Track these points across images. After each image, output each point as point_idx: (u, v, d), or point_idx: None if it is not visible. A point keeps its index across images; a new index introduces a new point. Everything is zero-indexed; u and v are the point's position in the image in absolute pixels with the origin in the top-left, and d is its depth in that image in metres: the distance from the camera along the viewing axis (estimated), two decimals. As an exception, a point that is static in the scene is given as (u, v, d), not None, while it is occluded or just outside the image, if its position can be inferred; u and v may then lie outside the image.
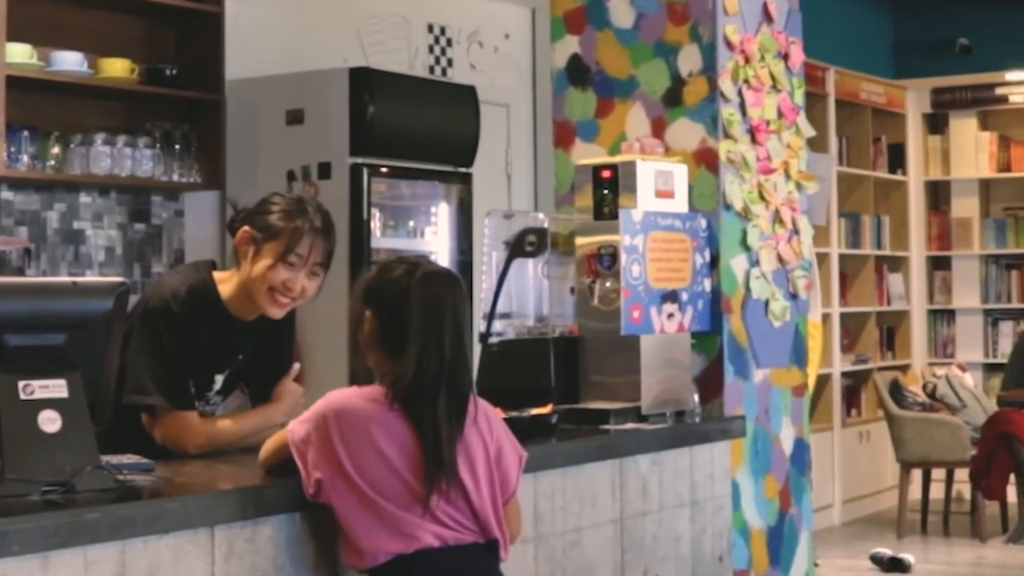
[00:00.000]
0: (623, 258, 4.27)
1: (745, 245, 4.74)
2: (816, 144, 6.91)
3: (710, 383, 4.63)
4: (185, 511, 2.84)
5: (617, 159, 4.45)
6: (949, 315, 10.97)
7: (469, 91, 6.11)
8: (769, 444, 4.83)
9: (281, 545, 3.02)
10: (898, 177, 10.80)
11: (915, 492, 9.30)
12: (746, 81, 4.76)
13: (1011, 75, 10.48)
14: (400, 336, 3.02)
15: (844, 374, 9.93)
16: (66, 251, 5.32)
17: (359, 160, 5.55)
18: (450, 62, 7.13)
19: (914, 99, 10.90)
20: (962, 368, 9.77)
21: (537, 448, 3.80)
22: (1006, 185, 10.87)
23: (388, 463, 2.97)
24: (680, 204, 4.53)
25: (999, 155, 10.77)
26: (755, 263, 4.77)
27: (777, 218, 4.87)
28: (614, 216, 4.34)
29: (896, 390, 9.32)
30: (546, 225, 4.43)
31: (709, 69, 4.68)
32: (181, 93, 5.54)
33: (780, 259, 4.88)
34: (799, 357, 5.01)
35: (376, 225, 5.72)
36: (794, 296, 4.97)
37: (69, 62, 5.22)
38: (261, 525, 2.98)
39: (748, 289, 4.74)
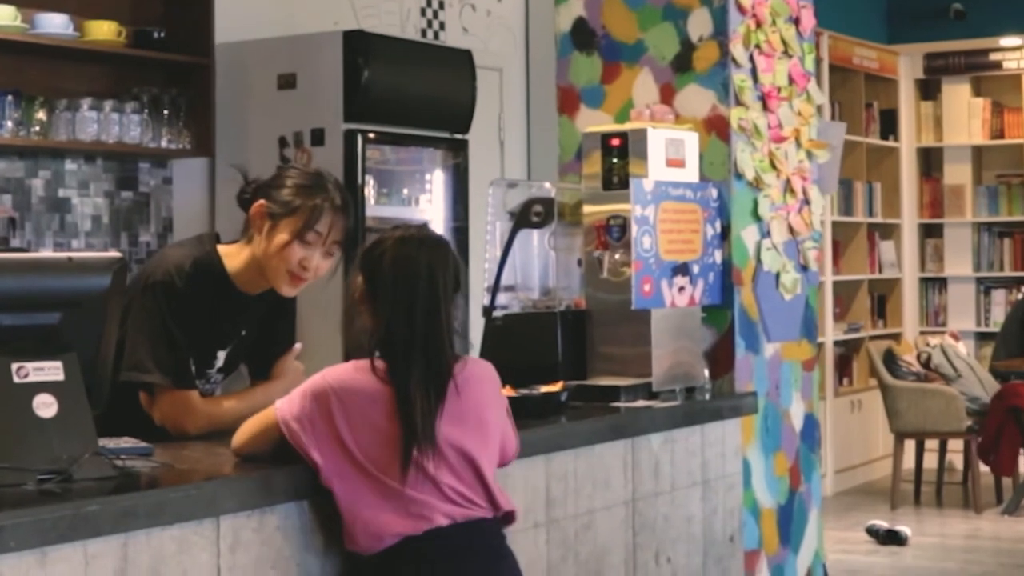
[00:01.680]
0: (634, 229, 4.11)
1: (756, 215, 4.59)
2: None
3: (720, 358, 4.48)
4: (190, 501, 2.68)
5: (627, 126, 4.29)
6: (941, 283, 10.86)
7: (465, 55, 5.95)
8: (779, 420, 4.70)
9: (289, 534, 2.88)
10: (890, 143, 10.67)
11: (907, 462, 9.20)
12: (757, 46, 4.60)
13: (1005, 41, 10.34)
14: (376, 299, 2.93)
15: (836, 343, 9.81)
16: (51, 220, 5.15)
17: (353, 126, 5.39)
18: (442, 25, 6.96)
19: (907, 64, 10.76)
20: (955, 337, 9.66)
21: (549, 428, 3.67)
22: (999, 152, 10.74)
23: (387, 438, 2.84)
24: (691, 173, 4.38)
25: (992, 122, 10.64)
26: (766, 234, 4.62)
27: (788, 188, 4.72)
28: (624, 185, 4.18)
29: (890, 360, 9.21)
30: (553, 195, 4.27)
31: (720, 34, 4.51)
32: (169, 57, 5.37)
33: (791, 230, 4.73)
34: (809, 330, 4.87)
35: (370, 193, 5.56)
36: (804, 268, 4.83)
37: (54, 24, 5.05)
38: (268, 514, 2.84)
39: (759, 261, 4.59)
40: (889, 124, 10.70)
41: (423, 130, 5.73)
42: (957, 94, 10.70)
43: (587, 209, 4.24)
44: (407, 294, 2.91)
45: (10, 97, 4.90)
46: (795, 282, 4.75)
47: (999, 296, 10.69)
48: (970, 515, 8.82)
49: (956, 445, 9.55)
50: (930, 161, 10.98)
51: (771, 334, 4.65)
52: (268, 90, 5.57)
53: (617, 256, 4.16)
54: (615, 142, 4.21)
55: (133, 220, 5.43)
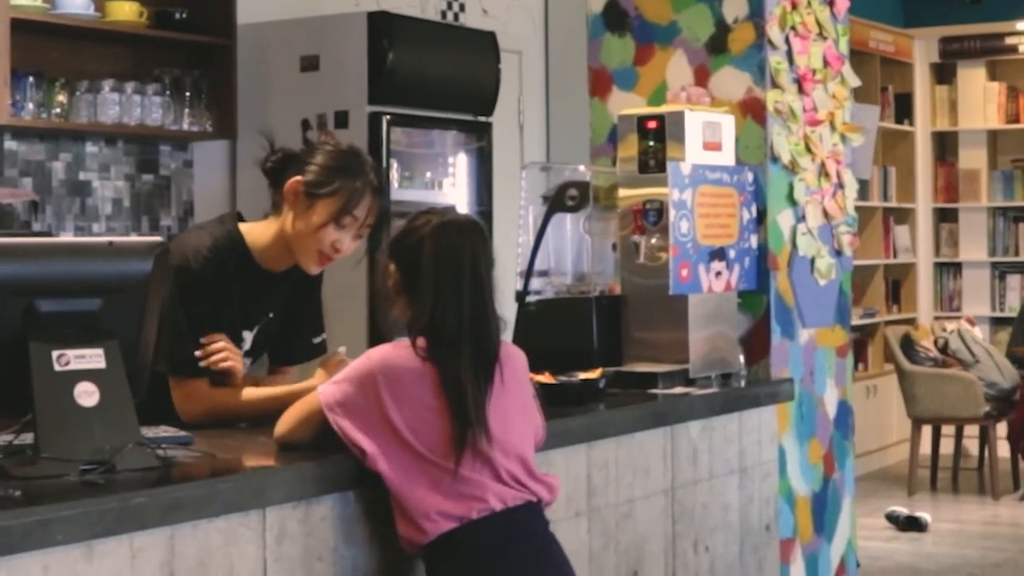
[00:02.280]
0: (672, 213, 4.04)
1: (791, 200, 4.52)
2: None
3: (756, 344, 4.41)
4: (237, 492, 2.61)
5: (663, 109, 4.21)
6: (956, 268, 10.79)
7: (489, 37, 5.88)
8: (814, 407, 4.63)
9: (335, 525, 2.81)
10: (905, 128, 10.59)
11: (922, 448, 9.13)
12: (793, 28, 4.51)
13: (1021, 25, 10.27)
14: (416, 288, 2.85)
15: (852, 328, 9.72)
16: (72, 204, 5.07)
17: (378, 108, 5.31)
18: (462, 7, 6.88)
19: (922, 48, 10.67)
20: (971, 322, 9.60)
21: (589, 416, 3.60)
22: (1014, 136, 10.66)
23: (436, 418, 2.78)
24: (727, 157, 4.30)
25: (1007, 106, 10.57)
26: (801, 218, 4.55)
27: (823, 171, 4.64)
28: (660, 169, 4.10)
29: (907, 345, 9.14)
30: (588, 178, 4.20)
31: (756, 15, 4.42)
32: (191, 38, 5.29)
33: (826, 214, 4.66)
34: (843, 316, 4.80)
35: (393, 176, 5.49)
36: (839, 253, 4.76)
37: (76, 5, 4.97)
38: (314, 505, 2.76)
39: (795, 246, 4.52)
40: (904, 108, 10.62)
41: (447, 113, 5.65)
42: (972, 78, 10.62)
43: (623, 193, 4.16)
44: (452, 281, 2.84)
45: (31, 79, 4.82)
46: (829, 267, 4.68)
47: (1014, 281, 10.62)
48: (987, 501, 8.77)
49: (971, 431, 9.50)
50: (945, 145, 10.90)
51: (806, 319, 4.58)
52: (291, 72, 5.50)
53: (654, 241, 4.09)
54: (651, 125, 4.14)
55: (154, 203, 5.35)
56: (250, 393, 3.36)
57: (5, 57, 4.61)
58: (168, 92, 5.18)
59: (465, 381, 2.80)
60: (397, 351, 2.83)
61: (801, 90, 4.56)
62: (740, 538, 4.16)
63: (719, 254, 4.21)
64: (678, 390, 4.02)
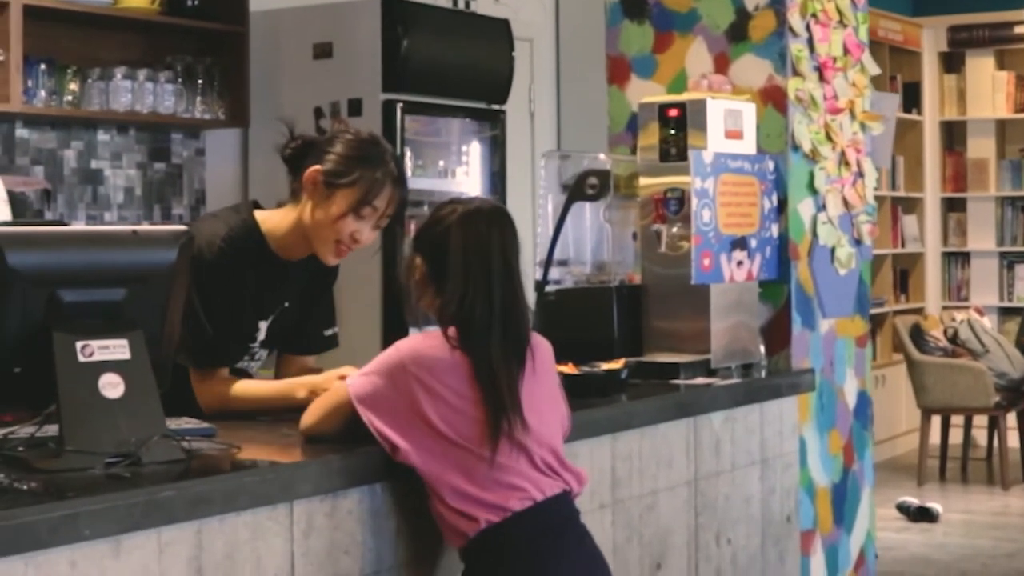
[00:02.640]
0: (694, 202, 3.99)
1: (812, 188, 4.47)
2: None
3: (776, 334, 4.37)
4: (265, 485, 2.57)
5: (685, 97, 4.17)
6: (964, 258, 10.74)
7: (502, 25, 5.83)
8: (834, 398, 4.59)
9: (361, 518, 2.77)
10: (913, 117, 10.53)
11: (931, 438, 9.09)
12: (814, 15, 4.47)
13: (1030, 13, 10.21)
14: (445, 278, 2.82)
15: (861, 318, 9.69)
16: (84, 192, 5.03)
17: (392, 96, 5.26)
18: (475, -6, 6.83)
19: (930, 37, 10.62)
20: (980, 312, 9.56)
21: (613, 408, 3.56)
22: (1023, 126, 10.61)
23: (469, 407, 2.74)
24: (748, 145, 4.26)
25: (1016, 95, 10.51)
26: (822, 207, 4.51)
27: (843, 160, 4.60)
28: (681, 157, 4.06)
29: (917, 335, 9.10)
30: (608, 167, 4.15)
31: (777, 2, 4.37)
32: (203, 25, 5.24)
33: (846, 203, 4.61)
34: (863, 306, 4.76)
35: (407, 164, 5.44)
36: (858, 242, 4.72)
37: (88, -9, 4.93)
38: (341, 498, 2.72)
39: (815, 235, 4.48)
40: (912, 97, 10.57)
41: (460, 100, 5.60)
42: (981, 67, 10.57)
43: (643, 181, 4.12)
44: (482, 269, 2.80)
45: (43, 66, 4.78)
46: (850, 256, 4.64)
47: (1022, 271, 10.58)
48: (996, 491, 8.74)
49: (979, 421, 9.47)
50: (953, 135, 10.85)
51: (826, 309, 4.54)
52: (303, 59, 5.45)
53: (675, 230, 4.04)
54: (673, 113, 4.10)
55: (166, 192, 5.31)
56: (242, 384, 3.31)
57: (17, 44, 4.57)
58: (180, 80, 5.14)
59: (497, 368, 2.76)
60: (427, 341, 2.79)
61: (822, 78, 4.51)
62: (762, 530, 4.12)
63: (741, 243, 4.17)
64: (700, 381, 3.98)
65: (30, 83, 4.70)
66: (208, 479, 2.51)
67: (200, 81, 5.21)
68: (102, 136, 5.11)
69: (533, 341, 2.89)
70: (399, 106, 5.28)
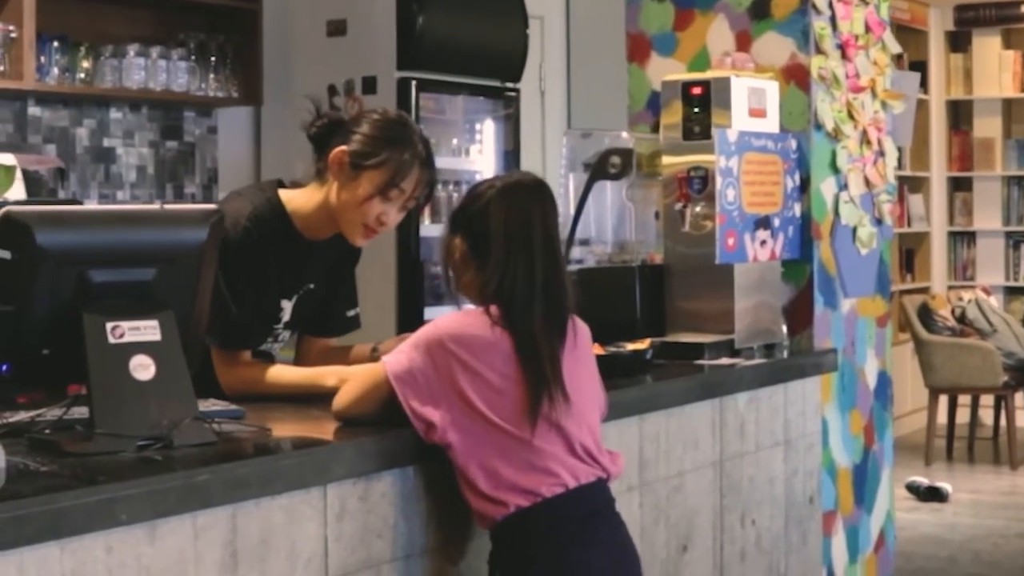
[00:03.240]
0: (718, 181, 3.95)
1: (834, 167, 4.43)
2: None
3: (799, 314, 4.33)
4: (301, 468, 2.53)
5: (709, 75, 4.12)
6: (970, 237, 10.71)
7: (517, 3, 5.77)
8: (855, 378, 4.56)
9: (394, 501, 2.73)
10: (920, 96, 10.46)
11: (938, 417, 9.07)
12: (836, -8, 4.43)
13: (1037, -8, 10.17)
14: (487, 255, 2.77)
15: (867, 298, 9.65)
16: (96, 171, 4.98)
17: (407, 74, 5.20)
18: (485, -28, 6.76)
19: (937, 16, 10.57)
20: (986, 292, 9.54)
21: (640, 388, 3.52)
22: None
23: (509, 386, 2.69)
24: (772, 124, 4.22)
25: (1023, 74, 10.47)
26: (844, 186, 4.47)
27: (864, 139, 4.56)
28: (706, 136, 4.02)
29: (925, 314, 9.07)
30: (631, 145, 4.11)
31: (799, -21, 4.34)
32: (217, 2, 5.20)
33: (867, 182, 4.57)
34: (883, 285, 4.72)
35: (421, 144, 5.39)
36: (879, 221, 4.68)
37: (100, -33, 4.87)
38: (374, 481, 2.68)
39: (837, 214, 4.44)
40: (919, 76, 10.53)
41: (475, 78, 5.55)
42: (987, 46, 10.52)
43: (666, 160, 4.08)
44: (524, 243, 2.75)
45: (55, 43, 4.72)
46: (871, 236, 4.60)
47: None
48: (1003, 471, 8.72)
49: (985, 400, 9.45)
50: (959, 114, 10.82)
51: (848, 289, 4.50)
52: (317, 36, 5.39)
53: (698, 209, 4.01)
54: (696, 91, 4.05)
55: (178, 171, 5.26)
56: (271, 369, 3.26)
57: (30, 21, 4.52)
58: (193, 57, 5.09)
59: (540, 341, 2.72)
60: (467, 319, 2.75)
61: (844, 56, 4.47)
62: (785, 511, 4.09)
63: (764, 222, 4.13)
64: (724, 361, 3.94)
65: (43, 60, 4.65)
66: (244, 462, 2.47)
67: (213, 59, 5.16)
68: (114, 114, 5.06)
69: (575, 320, 2.85)
70: (414, 84, 5.23)
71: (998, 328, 8.96)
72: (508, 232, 2.75)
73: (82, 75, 4.82)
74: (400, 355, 2.73)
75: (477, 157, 5.71)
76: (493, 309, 2.74)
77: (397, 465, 2.73)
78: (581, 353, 2.85)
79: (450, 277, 2.88)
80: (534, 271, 2.74)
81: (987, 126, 10.59)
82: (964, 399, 9.33)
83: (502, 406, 2.69)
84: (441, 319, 2.77)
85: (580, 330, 2.87)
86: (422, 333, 2.74)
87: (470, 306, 2.81)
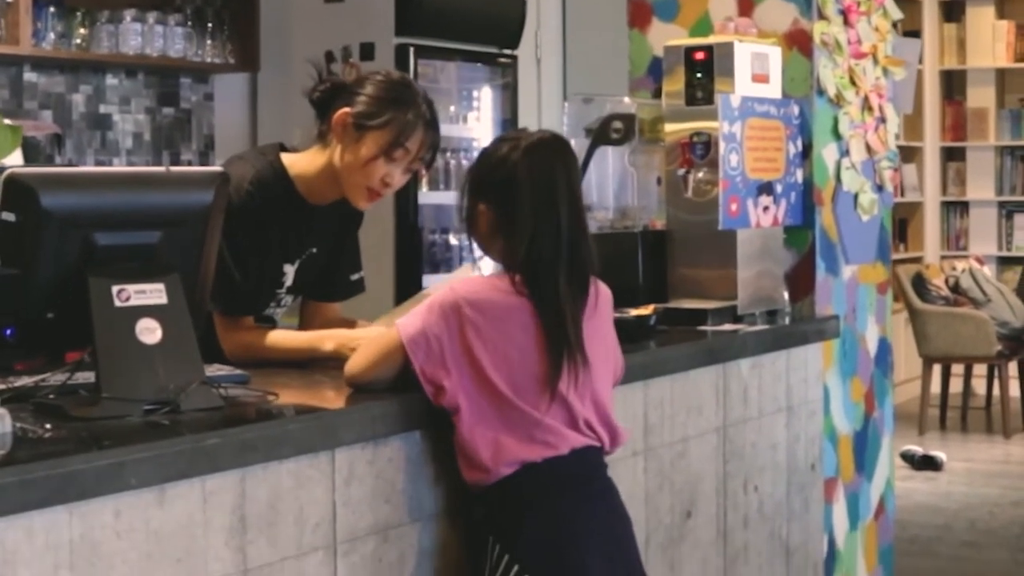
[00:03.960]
0: (721, 146, 3.93)
1: (836, 133, 4.41)
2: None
3: (800, 280, 4.31)
4: (309, 433, 2.51)
5: (712, 40, 4.10)
6: (963, 207, 10.72)
7: (514, -32, 5.74)
8: (856, 345, 4.55)
9: (401, 466, 2.71)
10: (914, 64, 10.46)
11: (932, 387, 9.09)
12: (838, -44, 4.40)
13: (1032, -39, 10.14)
14: (515, 217, 2.71)
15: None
16: (92, 137, 4.94)
17: (405, 40, 5.17)
18: (482, -63, 6.72)
19: (931, -14, 10.56)
20: (980, 261, 9.54)
21: (644, 354, 3.51)
22: (1023, 75, 10.55)
23: (524, 358, 2.67)
24: (774, 89, 4.20)
25: (1016, 44, 10.47)
26: (845, 153, 4.45)
27: (866, 105, 4.54)
28: (708, 101, 4.00)
29: (919, 284, 9.08)
30: (634, 111, 4.08)
31: (801, -57, 4.31)
32: (213, -33, 5.15)
33: (868, 149, 4.56)
34: (884, 252, 4.71)
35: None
36: (880, 188, 4.66)
37: (97, -69, 4.83)
38: (381, 445, 2.66)
39: (839, 180, 4.42)
40: (912, 45, 10.50)
41: (473, 45, 5.52)
42: (981, 16, 10.51)
43: (669, 126, 4.06)
44: (550, 204, 2.71)
45: (52, 8, 4.68)
46: (872, 203, 4.59)
47: (1021, 220, 10.57)
48: (996, 440, 8.75)
49: (979, 370, 9.46)
50: (953, 84, 10.81)
51: (850, 256, 4.49)
52: (315, 2, 5.36)
53: (701, 175, 3.99)
54: (700, 56, 4.03)
55: (174, 137, 5.23)
56: (271, 335, 3.24)
57: (27, -14, 4.48)
58: (190, 23, 5.05)
59: (565, 308, 2.69)
60: (486, 283, 2.72)
61: (846, 22, 4.44)
62: (787, 477, 4.09)
63: (767, 188, 4.11)
64: (727, 327, 3.93)
65: (39, 25, 4.61)
66: (252, 426, 2.45)
67: (210, 25, 5.12)
68: (111, 80, 5.02)
69: (597, 283, 2.82)
70: (412, 50, 5.19)
71: (992, 297, 8.97)
72: (534, 194, 2.71)
73: (78, 41, 4.79)
74: (414, 318, 2.70)
75: (475, 124, 5.69)
76: (516, 277, 2.70)
77: (404, 429, 2.71)
78: (601, 318, 2.82)
79: (478, 245, 2.84)
80: (560, 232, 2.70)
81: (980, 96, 10.58)
82: (958, 368, 9.35)
83: (512, 377, 2.67)
84: (458, 283, 2.74)
85: (602, 294, 2.85)
86: (438, 296, 2.71)
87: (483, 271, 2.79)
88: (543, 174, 2.72)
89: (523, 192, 2.71)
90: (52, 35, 4.66)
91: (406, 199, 5.15)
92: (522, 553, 2.67)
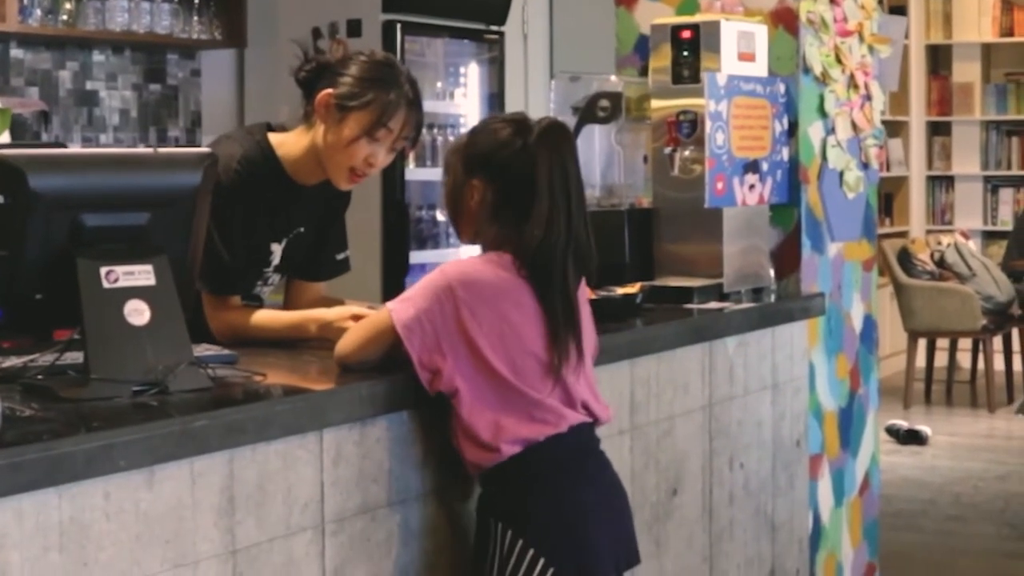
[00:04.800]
0: (708, 125, 3.94)
1: (822, 111, 4.42)
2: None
3: (786, 258, 4.33)
4: (297, 414, 2.52)
5: (698, 18, 4.11)
6: (948, 181, 10.75)
7: (501, -56, 5.73)
8: (841, 322, 4.57)
9: (389, 446, 2.72)
10: (900, 39, 10.46)
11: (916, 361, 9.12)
12: (824, -66, 4.40)
13: (1019, -66, 10.14)
14: (526, 201, 2.71)
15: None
16: (79, 114, 4.94)
17: (392, 16, 5.17)
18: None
19: (917, -41, 10.56)
20: (965, 236, 9.57)
21: (631, 332, 3.53)
22: (1008, 50, 10.58)
23: (521, 338, 2.69)
24: (760, 68, 4.20)
25: (1002, 19, 10.49)
26: (831, 131, 4.46)
27: (852, 83, 4.55)
28: (695, 80, 4.01)
29: (905, 258, 9.11)
30: (620, 89, 4.09)
31: (788, -79, 4.31)
32: (199, -58, 5.14)
33: (854, 126, 4.57)
34: (869, 230, 4.73)
35: (405, 87, 5.35)
36: (866, 166, 4.68)
37: (83, -93, 4.81)
38: (369, 426, 2.68)
39: (824, 158, 4.44)
40: (899, 19, 10.51)
41: (459, 21, 5.51)
42: (967, -9, 10.52)
43: (655, 104, 4.07)
44: (564, 194, 2.72)
45: (38, -16, 4.68)
46: (858, 180, 4.60)
47: (1006, 195, 10.60)
48: (981, 414, 8.79)
49: (963, 344, 9.50)
50: (939, 58, 10.82)
51: (835, 233, 4.50)
52: (302, -22, 5.35)
53: (687, 153, 4.00)
54: (686, 35, 4.03)
55: (161, 114, 5.23)
56: (257, 315, 3.24)
57: (12, -38, 4.47)
58: (176, -1, 5.05)
59: (572, 289, 2.73)
60: (478, 264, 2.73)
61: (832, 0, 4.45)
62: (772, 454, 4.11)
63: (753, 167, 4.12)
64: (713, 305, 3.95)
65: (25, 2, 4.60)
66: (240, 408, 2.46)
67: (196, 1, 5.11)
68: (97, 57, 5.02)
69: None
70: (399, 26, 5.19)
71: (977, 272, 9.00)
72: (552, 184, 2.71)
73: (65, 17, 4.78)
74: (406, 303, 2.70)
75: (461, 100, 5.69)
76: (509, 257, 2.71)
77: (392, 410, 2.72)
78: (582, 296, 2.85)
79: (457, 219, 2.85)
80: (571, 224, 2.72)
81: (966, 71, 10.60)
82: (943, 343, 9.39)
83: (509, 357, 2.68)
84: (449, 265, 2.75)
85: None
86: (429, 279, 2.72)
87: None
88: (559, 160, 2.73)
89: (541, 177, 2.71)
90: (38, 11, 4.65)
91: (393, 176, 5.16)
92: (534, 535, 2.69)
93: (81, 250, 2.52)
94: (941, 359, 9.44)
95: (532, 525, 2.69)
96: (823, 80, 4.41)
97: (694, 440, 3.72)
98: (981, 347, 9.03)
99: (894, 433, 7.92)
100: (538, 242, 2.70)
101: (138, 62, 5.15)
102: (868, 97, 4.66)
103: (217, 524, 2.38)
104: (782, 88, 4.26)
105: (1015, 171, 10.49)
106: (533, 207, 2.70)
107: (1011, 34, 10.44)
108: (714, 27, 4.03)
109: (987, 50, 10.57)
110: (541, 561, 2.67)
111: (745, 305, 4.01)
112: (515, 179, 2.73)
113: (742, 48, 4.11)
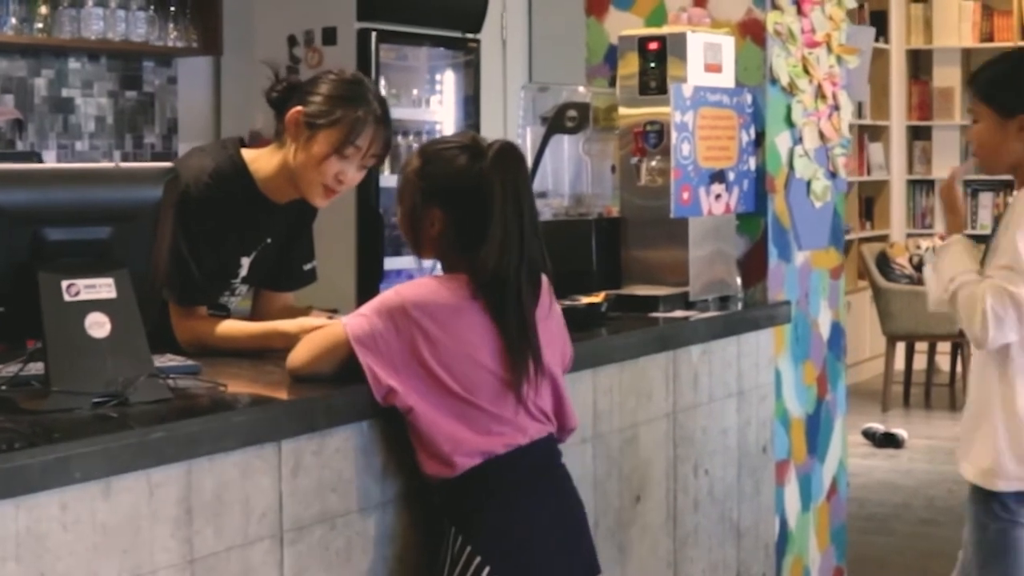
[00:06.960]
0: (673, 136, 3.99)
1: (789, 122, 4.47)
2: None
3: (753, 266, 4.38)
4: (254, 425, 2.56)
5: (665, 30, 4.15)
6: (928, 185, 10.80)
7: (477, -48, 5.77)
8: (808, 329, 4.62)
9: (348, 456, 2.76)
10: (880, 45, 10.51)
11: (895, 364, 9.18)
12: (792, -54, 4.45)
13: (998, -59, 10.20)
14: (481, 228, 2.75)
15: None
16: (55, 121, 4.97)
17: (367, 24, 5.20)
18: (446, -80, 6.74)
19: (898, -35, 10.61)
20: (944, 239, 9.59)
21: (594, 342, 3.57)
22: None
23: (476, 357, 2.73)
24: (727, 79, 4.25)
25: (982, 24, 10.54)
26: (799, 140, 4.51)
27: (819, 93, 4.60)
28: (661, 90, 4.05)
29: (883, 262, 9.16)
30: (588, 99, 4.14)
31: (756, -67, 4.36)
32: (175, -49, 5.17)
33: (822, 136, 4.62)
34: (837, 238, 4.78)
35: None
36: (833, 175, 4.72)
37: (58, -84, 4.84)
38: (328, 436, 2.71)
39: (792, 168, 4.48)
40: (879, 25, 10.54)
41: (435, 29, 5.55)
42: (948, -4, 10.57)
43: (623, 114, 4.11)
44: (517, 215, 2.75)
45: (13, -8, 4.71)
46: (825, 189, 4.65)
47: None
48: (959, 417, 8.75)
49: (943, 348, 9.55)
50: (919, 63, 10.87)
51: (802, 242, 4.55)
52: (277, -14, 5.39)
53: (654, 163, 4.04)
54: (653, 46, 4.08)
55: (137, 121, 5.26)
56: (221, 325, 3.28)
57: (-13, -29, 4.50)
58: (152, 7, 5.06)
59: (526, 308, 2.76)
60: (431, 284, 2.77)
61: (800, 11, 4.50)
62: (738, 461, 4.15)
63: (719, 176, 4.17)
64: (679, 313, 3.99)
65: (0, 10, 4.63)
66: (198, 420, 2.49)
67: (172, 8, 5.15)
68: (73, 64, 5.05)
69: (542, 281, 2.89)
70: (374, 35, 5.22)
71: (956, 276, 9.03)
72: (505, 207, 2.74)
73: (40, 24, 4.81)
74: (361, 319, 2.73)
75: (437, 108, 5.73)
76: (464, 277, 2.75)
77: (352, 420, 2.76)
78: (545, 307, 2.87)
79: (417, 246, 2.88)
80: (523, 244, 2.76)
81: (946, 75, 10.66)
82: (921, 346, 9.44)
83: (466, 377, 2.72)
84: (404, 287, 2.79)
85: (544, 284, 2.90)
86: (384, 299, 2.76)
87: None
88: (511, 184, 2.77)
89: (496, 203, 2.74)
90: (13, 19, 4.69)
91: (367, 183, 5.17)
92: (484, 546, 2.73)
93: (43, 263, 2.55)
94: (920, 362, 9.49)
95: (484, 536, 2.73)
96: (790, 91, 4.46)
97: (658, 447, 3.76)
98: (960, 351, 9.08)
99: (871, 436, 7.97)
100: (493, 265, 2.74)
101: (114, 69, 5.19)
102: (836, 107, 4.70)
103: (175, 534, 2.42)
104: (749, 99, 4.31)
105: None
106: (488, 232, 2.74)
107: (991, 39, 10.49)
108: (680, 39, 4.07)
109: (967, 55, 10.62)
110: (486, 570, 2.71)
111: (711, 314, 4.06)
112: (472, 208, 2.77)
113: (709, 59, 4.15)
